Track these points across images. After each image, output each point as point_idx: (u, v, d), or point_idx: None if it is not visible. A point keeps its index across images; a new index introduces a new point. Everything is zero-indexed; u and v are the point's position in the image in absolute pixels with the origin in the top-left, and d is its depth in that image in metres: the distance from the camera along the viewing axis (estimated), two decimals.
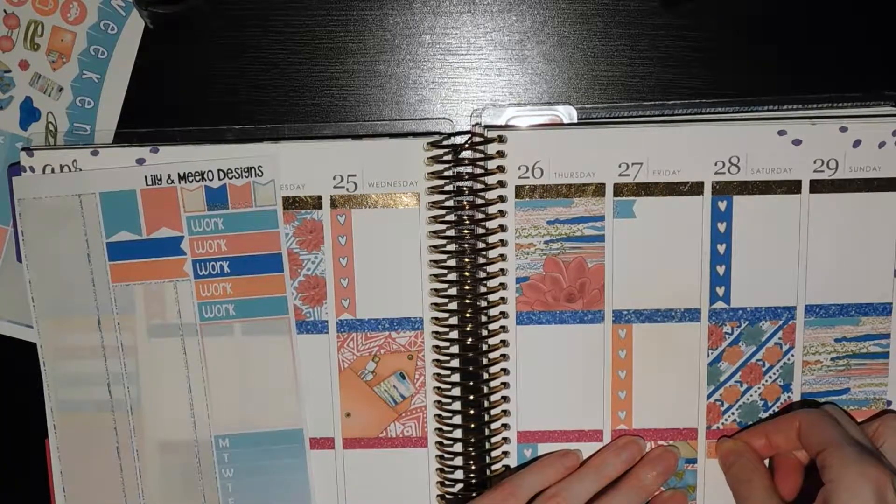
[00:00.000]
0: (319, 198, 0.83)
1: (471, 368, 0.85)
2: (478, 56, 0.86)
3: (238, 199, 0.83)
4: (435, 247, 0.83)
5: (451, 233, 0.83)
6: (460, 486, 0.85)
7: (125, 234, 0.83)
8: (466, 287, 0.84)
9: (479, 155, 0.83)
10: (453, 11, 0.85)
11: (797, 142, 0.82)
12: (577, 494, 0.81)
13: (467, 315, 0.84)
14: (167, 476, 0.86)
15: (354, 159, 0.83)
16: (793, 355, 0.85)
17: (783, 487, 0.81)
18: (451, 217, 0.83)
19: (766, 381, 0.85)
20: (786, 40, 0.85)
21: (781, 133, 0.82)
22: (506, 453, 0.85)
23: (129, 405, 0.85)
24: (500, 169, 0.82)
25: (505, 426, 0.85)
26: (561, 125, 0.84)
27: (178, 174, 0.83)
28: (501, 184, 0.83)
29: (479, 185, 0.82)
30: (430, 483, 0.86)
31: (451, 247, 0.83)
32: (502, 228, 0.83)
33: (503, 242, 0.83)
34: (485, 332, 0.84)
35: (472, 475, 0.85)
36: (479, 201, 0.83)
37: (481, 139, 0.83)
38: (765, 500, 0.79)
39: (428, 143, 0.83)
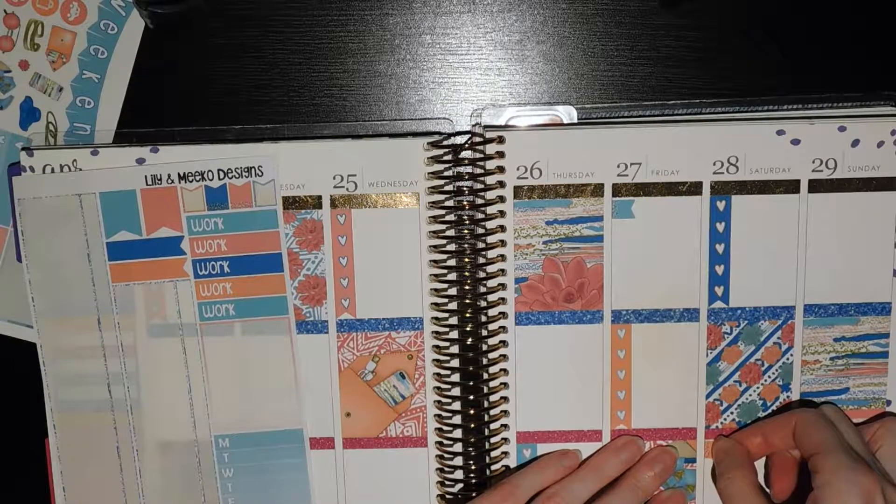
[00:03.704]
0: (319, 198, 0.83)
1: (470, 368, 0.85)
2: (478, 56, 0.86)
3: (238, 199, 0.83)
4: (435, 247, 0.83)
5: (450, 233, 0.83)
6: (460, 486, 0.85)
7: (125, 234, 0.83)
8: (466, 287, 0.84)
9: (478, 155, 0.83)
10: (453, 11, 0.85)
11: (796, 141, 0.82)
12: (575, 494, 0.81)
13: (467, 315, 0.84)
14: (167, 476, 0.86)
15: (354, 159, 0.83)
16: (792, 355, 0.85)
17: (778, 486, 0.81)
18: (450, 217, 0.83)
19: (766, 380, 0.85)
20: (786, 40, 0.85)
21: (780, 133, 0.82)
22: (505, 453, 0.85)
23: (129, 405, 0.85)
24: (500, 169, 0.82)
25: (504, 426, 0.85)
26: (560, 125, 0.84)
27: (178, 174, 0.83)
28: (501, 184, 0.83)
29: (479, 186, 0.83)
30: (430, 483, 0.86)
31: (451, 247, 0.83)
32: (502, 229, 0.83)
33: (503, 243, 0.83)
34: (484, 333, 0.84)
35: (471, 475, 0.85)
36: (479, 201, 0.83)
37: (481, 139, 0.83)
38: (746, 496, 0.79)
39: (428, 143, 0.83)
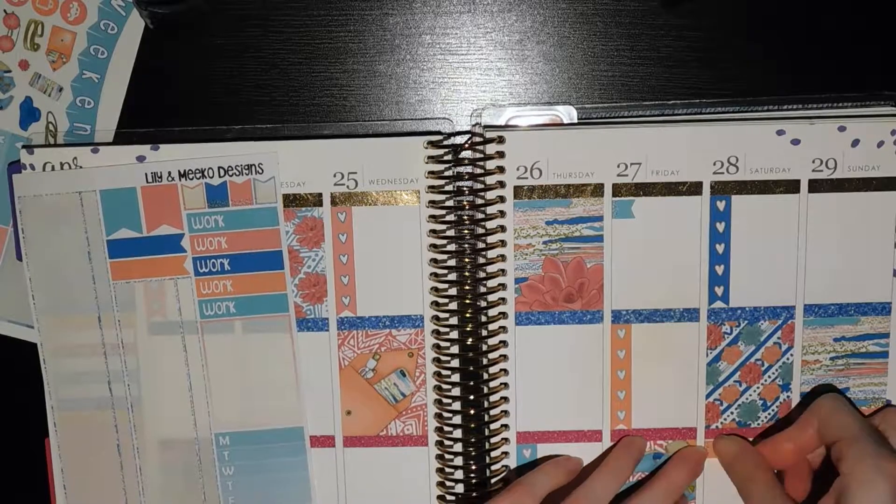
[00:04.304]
0: (320, 195, 0.83)
1: (471, 368, 0.85)
2: (478, 56, 0.86)
3: (238, 197, 0.83)
4: (435, 246, 0.83)
5: (450, 233, 0.83)
6: (460, 485, 0.85)
7: (125, 232, 0.83)
8: (466, 287, 0.84)
9: (478, 155, 0.83)
10: (453, 11, 0.85)
11: (796, 141, 0.82)
12: (598, 497, 0.80)
13: (467, 315, 0.84)
14: (168, 474, 0.86)
15: (355, 156, 0.83)
16: (792, 355, 0.85)
17: (791, 493, 0.81)
18: (450, 217, 0.83)
19: (766, 380, 0.85)
20: (786, 40, 0.85)
21: (780, 133, 0.82)
22: (505, 453, 0.85)
23: (130, 403, 0.85)
24: (500, 169, 0.83)
25: (505, 426, 0.85)
26: (560, 125, 0.84)
27: (179, 171, 0.83)
28: (501, 184, 0.83)
29: (479, 185, 0.83)
30: (430, 482, 0.86)
31: (451, 246, 0.83)
32: (502, 229, 0.83)
33: (503, 243, 0.83)
34: (484, 333, 0.84)
35: (472, 475, 0.85)
36: (479, 201, 0.83)
37: (481, 139, 0.83)
38: (772, 495, 0.79)
39: (428, 143, 0.83)
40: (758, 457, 0.82)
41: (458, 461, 0.85)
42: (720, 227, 0.83)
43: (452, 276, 0.84)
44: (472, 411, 0.85)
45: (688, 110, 0.85)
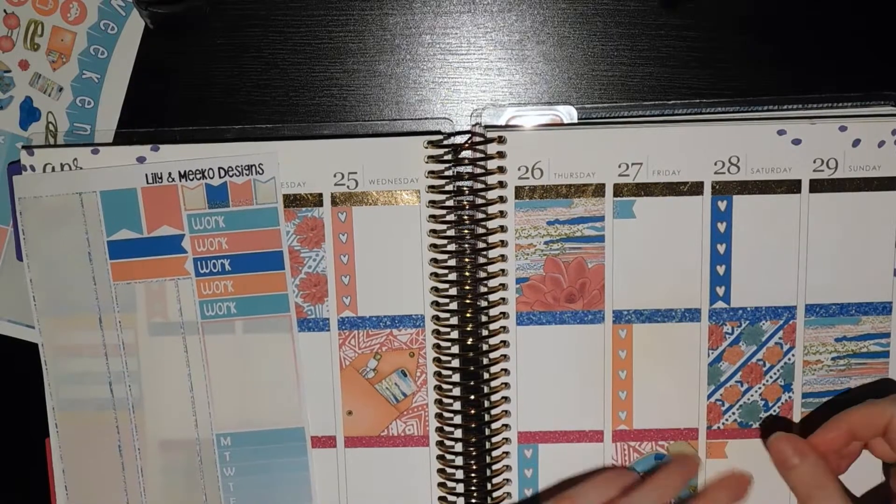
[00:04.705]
0: (320, 195, 0.83)
1: (471, 368, 0.84)
2: (478, 56, 0.86)
3: (239, 197, 0.83)
4: (435, 246, 0.83)
5: (451, 232, 0.83)
6: (461, 485, 0.85)
7: (126, 233, 0.83)
8: (466, 287, 0.84)
9: (479, 155, 0.83)
10: (453, 11, 0.85)
11: (797, 141, 0.82)
12: None
13: (468, 315, 0.84)
14: (169, 475, 0.86)
15: (355, 156, 0.83)
16: (793, 355, 0.85)
17: None
18: (451, 217, 0.83)
19: (767, 381, 0.85)
20: (786, 40, 0.85)
21: (781, 133, 0.82)
22: (507, 454, 0.85)
23: (131, 404, 0.85)
24: (501, 169, 0.82)
25: (506, 426, 0.85)
26: (561, 125, 0.84)
27: (179, 172, 0.83)
28: (501, 184, 0.83)
29: (479, 185, 0.82)
30: (431, 482, 0.86)
31: (452, 246, 0.83)
32: (502, 229, 0.83)
33: (503, 243, 0.83)
34: (485, 333, 0.84)
35: (473, 475, 0.85)
36: (479, 201, 0.83)
37: (481, 139, 0.83)
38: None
39: (428, 143, 0.83)
40: (822, 461, 0.77)
41: (459, 461, 0.85)
42: (721, 227, 0.83)
43: (453, 276, 0.84)
44: (472, 411, 0.85)
45: (688, 110, 0.85)
